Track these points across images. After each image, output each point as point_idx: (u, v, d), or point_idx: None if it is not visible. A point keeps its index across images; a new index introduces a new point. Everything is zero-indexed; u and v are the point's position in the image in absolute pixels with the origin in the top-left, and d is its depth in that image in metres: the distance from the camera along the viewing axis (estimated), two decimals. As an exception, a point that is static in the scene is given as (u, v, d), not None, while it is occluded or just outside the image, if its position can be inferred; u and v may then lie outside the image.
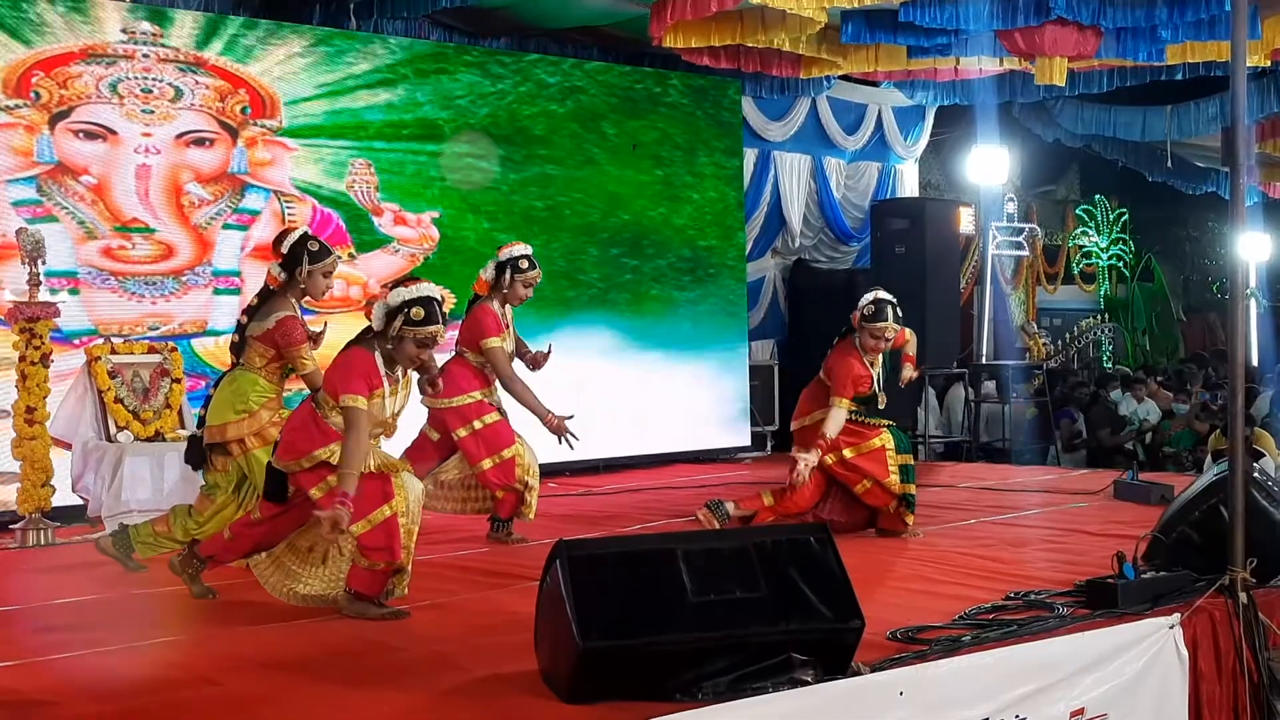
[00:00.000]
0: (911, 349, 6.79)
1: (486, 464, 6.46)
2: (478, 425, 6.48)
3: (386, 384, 4.76)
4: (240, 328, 5.81)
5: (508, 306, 6.65)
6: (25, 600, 5.29)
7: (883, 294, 6.49)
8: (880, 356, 6.61)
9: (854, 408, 6.47)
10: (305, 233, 5.81)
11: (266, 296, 5.74)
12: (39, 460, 6.81)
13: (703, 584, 3.65)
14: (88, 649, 4.35)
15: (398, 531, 4.75)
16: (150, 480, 6.99)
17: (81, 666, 4.14)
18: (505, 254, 6.62)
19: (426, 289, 4.82)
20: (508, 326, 6.63)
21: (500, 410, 6.59)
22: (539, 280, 6.69)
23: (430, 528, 7.22)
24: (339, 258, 6.07)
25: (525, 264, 6.58)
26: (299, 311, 5.74)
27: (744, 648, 3.61)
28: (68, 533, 6.95)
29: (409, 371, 4.97)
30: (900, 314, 6.49)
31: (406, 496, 4.82)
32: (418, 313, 4.71)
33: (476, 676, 3.89)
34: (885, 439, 6.52)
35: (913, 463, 6.64)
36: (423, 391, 5.64)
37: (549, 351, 6.74)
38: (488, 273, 6.62)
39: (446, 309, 5.06)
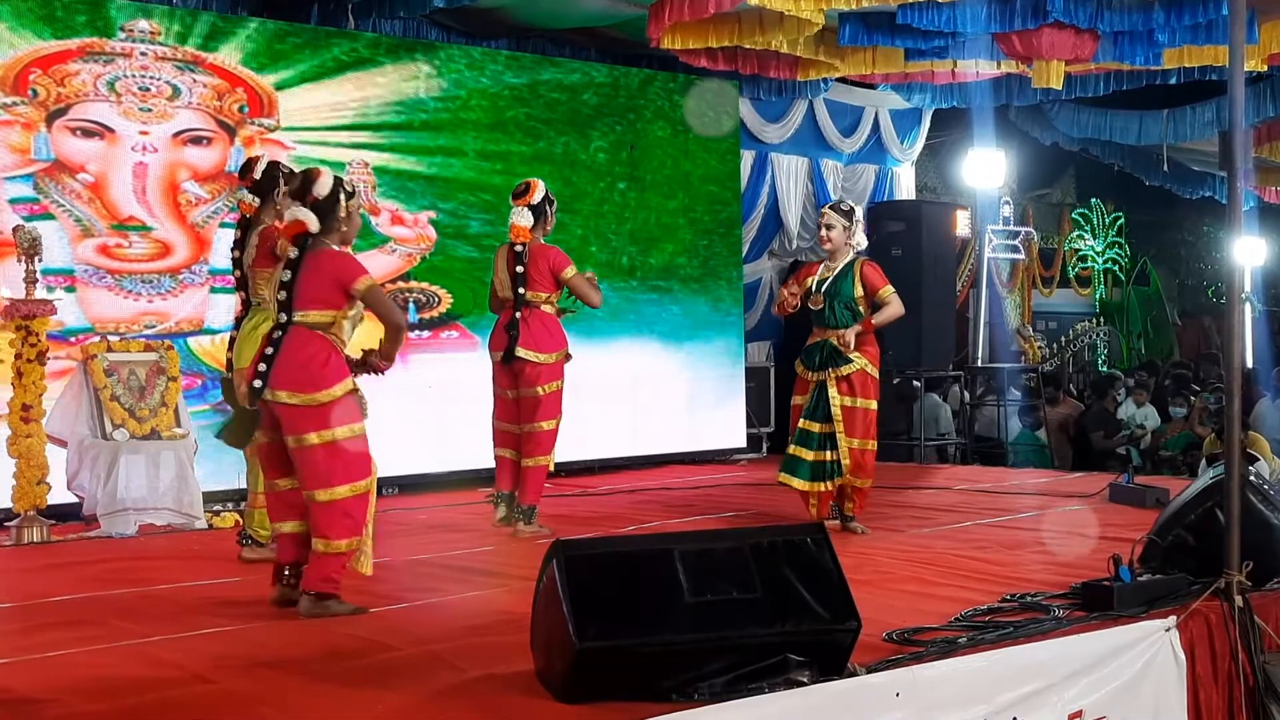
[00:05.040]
0: (886, 313, 6.62)
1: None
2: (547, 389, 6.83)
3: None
4: (236, 264, 5.97)
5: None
6: (20, 598, 5.28)
7: None
8: (830, 271, 6.65)
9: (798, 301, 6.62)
10: (274, 160, 6.04)
11: (247, 226, 5.96)
12: (34, 458, 6.81)
13: (699, 584, 3.64)
14: (82, 647, 4.34)
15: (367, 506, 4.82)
16: (146, 478, 7.00)
17: (76, 664, 4.13)
18: (539, 194, 6.80)
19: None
20: None
21: None
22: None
23: (424, 525, 7.24)
24: None
25: (552, 194, 6.99)
26: None
27: (740, 648, 3.60)
28: (63, 530, 6.95)
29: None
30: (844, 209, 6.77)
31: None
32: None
33: (471, 676, 3.88)
34: (805, 400, 6.66)
35: (817, 430, 6.55)
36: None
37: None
38: (524, 219, 6.75)
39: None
